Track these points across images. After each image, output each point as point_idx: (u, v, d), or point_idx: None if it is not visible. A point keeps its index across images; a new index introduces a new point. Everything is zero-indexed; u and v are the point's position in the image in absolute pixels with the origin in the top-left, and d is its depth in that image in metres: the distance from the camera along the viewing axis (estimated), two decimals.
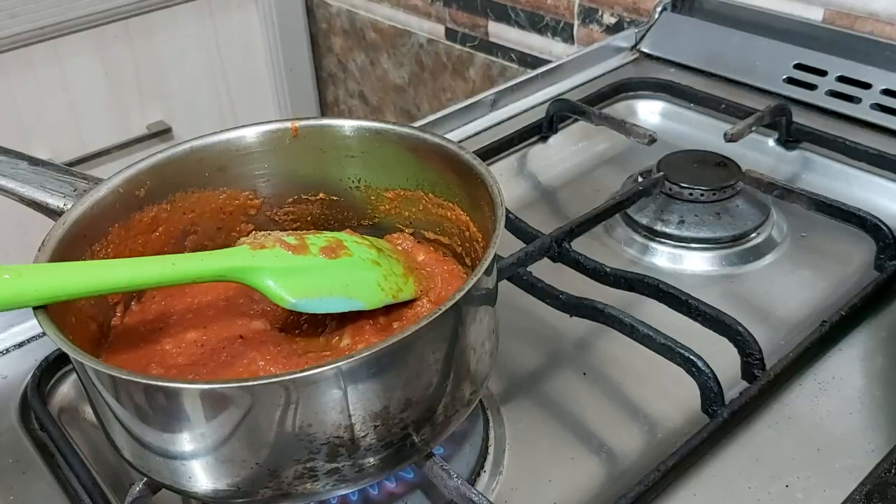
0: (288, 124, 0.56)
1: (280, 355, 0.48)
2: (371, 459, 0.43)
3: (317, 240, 0.51)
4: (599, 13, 1.15)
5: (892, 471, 0.48)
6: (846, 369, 0.60)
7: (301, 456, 0.41)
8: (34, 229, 0.49)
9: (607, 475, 0.54)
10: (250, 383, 0.39)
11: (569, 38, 1.20)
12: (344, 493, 0.46)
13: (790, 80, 0.91)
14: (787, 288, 0.69)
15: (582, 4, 1.17)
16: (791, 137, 0.83)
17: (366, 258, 0.52)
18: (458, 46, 1.38)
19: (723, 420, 0.53)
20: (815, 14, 0.94)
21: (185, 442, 0.41)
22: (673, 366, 0.55)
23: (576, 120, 0.89)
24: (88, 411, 0.59)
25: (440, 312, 0.41)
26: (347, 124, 0.56)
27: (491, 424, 0.57)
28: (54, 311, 0.42)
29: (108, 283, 0.43)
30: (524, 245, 0.65)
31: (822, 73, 0.90)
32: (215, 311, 0.53)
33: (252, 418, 0.40)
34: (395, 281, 0.52)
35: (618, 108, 0.93)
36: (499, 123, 0.91)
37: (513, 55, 1.30)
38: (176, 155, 0.55)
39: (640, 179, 0.79)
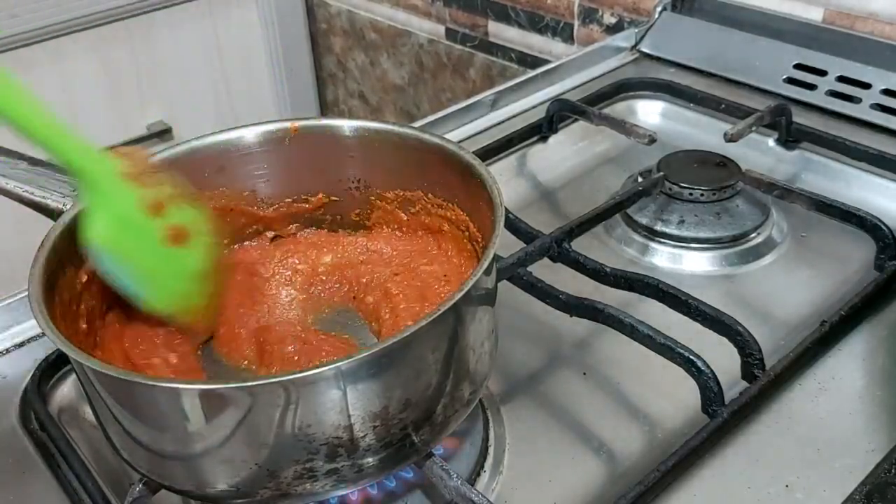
0: (288, 124, 0.56)
1: None
2: (370, 459, 0.43)
3: (177, 214, 0.50)
4: (599, 13, 1.15)
5: (892, 471, 0.48)
6: (846, 369, 0.60)
7: (300, 456, 0.41)
8: (34, 229, 0.49)
9: (607, 475, 0.54)
10: (250, 383, 0.39)
11: (569, 38, 1.20)
12: (343, 493, 0.46)
13: (790, 80, 0.91)
14: (787, 288, 0.68)
15: (582, 4, 1.17)
16: (791, 137, 0.83)
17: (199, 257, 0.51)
18: (458, 46, 1.38)
19: (723, 420, 0.53)
20: (815, 14, 0.94)
21: (185, 442, 0.41)
22: (673, 366, 0.55)
23: (576, 120, 0.89)
24: (88, 411, 0.59)
25: (440, 312, 0.41)
26: (347, 124, 0.56)
27: (491, 424, 0.57)
28: (54, 312, 0.42)
29: None
30: (524, 245, 0.65)
31: (822, 73, 0.89)
32: None
33: (251, 419, 0.40)
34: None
35: (618, 108, 0.93)
36: (499, 123, 0.91)
37: (513, 55, 1.30)
38: (176, 155, 0.55)
39: (640, 179, 0.79)
